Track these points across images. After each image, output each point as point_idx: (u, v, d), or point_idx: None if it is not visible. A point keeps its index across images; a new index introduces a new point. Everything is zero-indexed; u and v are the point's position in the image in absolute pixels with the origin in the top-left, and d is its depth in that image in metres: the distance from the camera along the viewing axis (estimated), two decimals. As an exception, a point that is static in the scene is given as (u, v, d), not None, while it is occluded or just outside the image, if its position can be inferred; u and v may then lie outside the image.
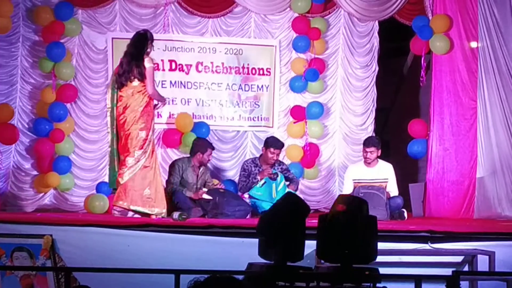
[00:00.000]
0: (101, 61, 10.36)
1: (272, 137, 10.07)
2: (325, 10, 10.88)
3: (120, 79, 8.75)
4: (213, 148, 9.63)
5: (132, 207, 8.58)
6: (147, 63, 8.65)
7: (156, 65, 9.13)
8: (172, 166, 9.52)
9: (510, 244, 7.50)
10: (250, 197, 9.16)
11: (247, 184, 9.65)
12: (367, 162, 9.60)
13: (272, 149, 9.70)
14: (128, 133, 8.62)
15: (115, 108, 8.75)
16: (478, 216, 9.98)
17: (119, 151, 8.74)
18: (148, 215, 8.56)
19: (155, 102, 8.92)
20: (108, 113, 8.90)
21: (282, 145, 9.90)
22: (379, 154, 9.61)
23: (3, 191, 9.80)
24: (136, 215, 8.59)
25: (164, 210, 8.67)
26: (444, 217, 9.99)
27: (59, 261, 7.08)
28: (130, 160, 8.57)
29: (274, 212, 6.04)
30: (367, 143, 9.72)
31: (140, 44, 8.80)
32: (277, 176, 9.51)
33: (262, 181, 9.36)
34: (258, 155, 10.09)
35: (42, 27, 10.05)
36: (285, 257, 5.81)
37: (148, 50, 8.79)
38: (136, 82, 8.67)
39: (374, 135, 10.91)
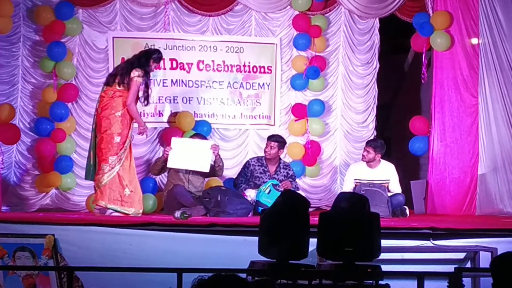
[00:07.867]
0: (102, 60, 10.37)
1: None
2: (326, 8, 10.88)
3: (108, 78, 8.84)
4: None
5: (109, 206, 8.59)
6: (134, 72, 8.66)
7: (144, 81, 9.05)
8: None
9: (512, 241, 7.50)
10: (258, 202, 9.09)
11: (245, 181, 9.65)
12: (363, 161, 9.59)
13: (267, 141, 9.74)
14: (102, 136, 8.62)
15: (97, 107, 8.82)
16: (480, 212, 9.98)
17: (96, 151, 8.77)
18: (125, 214, 8.60)
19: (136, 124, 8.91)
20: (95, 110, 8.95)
21: (278, 139, 9.78)
22: (377, 158, 9.53)
23: (5, 190, 9.79)
24: (115, 214, 8.60)
25: (141, 211, 8.72)
26: (446, 214, 9.99)
27: (61, 260, 7.08)
28: (105, 168, 8.57)
29: (274, 210, 6.03)
30: (367, 142, 9.77)
31: (142, 57, 8.86)
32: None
33: (268, 189, 9.25)
34: (260, 153, 10.09)
35: (42, 26, 10.05)
36: (289, 255, 5.81)
37: (147, 69, 8.80)
38: (120, 87, 8.68)
39: (375, 133, 10.94)
